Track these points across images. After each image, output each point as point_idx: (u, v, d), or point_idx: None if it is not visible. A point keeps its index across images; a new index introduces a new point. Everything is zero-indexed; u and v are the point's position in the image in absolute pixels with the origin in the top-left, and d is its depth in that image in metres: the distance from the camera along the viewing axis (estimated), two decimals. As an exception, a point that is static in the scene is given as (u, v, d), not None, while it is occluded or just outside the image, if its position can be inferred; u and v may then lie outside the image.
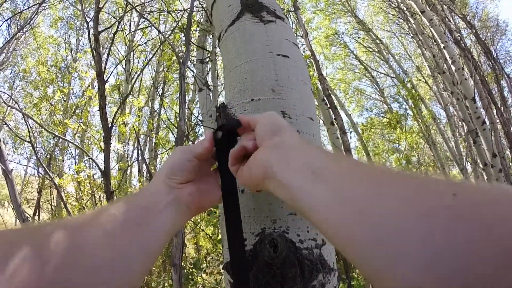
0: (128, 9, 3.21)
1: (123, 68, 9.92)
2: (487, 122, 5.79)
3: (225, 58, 0.97)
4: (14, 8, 8.74)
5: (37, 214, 7.53)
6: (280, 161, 0.47)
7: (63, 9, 11.42)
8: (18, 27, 7.61)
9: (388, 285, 0.29)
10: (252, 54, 0.87)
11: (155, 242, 0.48)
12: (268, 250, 0.65)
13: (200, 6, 3.65)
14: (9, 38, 8.05)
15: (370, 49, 12.57)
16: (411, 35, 10.23)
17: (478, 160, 5.96)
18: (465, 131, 7.20)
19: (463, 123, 7.40)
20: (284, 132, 0.53)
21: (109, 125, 2.97)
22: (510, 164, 6.90)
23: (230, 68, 0.91)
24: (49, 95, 8.30)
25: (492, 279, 0.23)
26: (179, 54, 2.94)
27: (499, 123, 7.49)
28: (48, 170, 3.98)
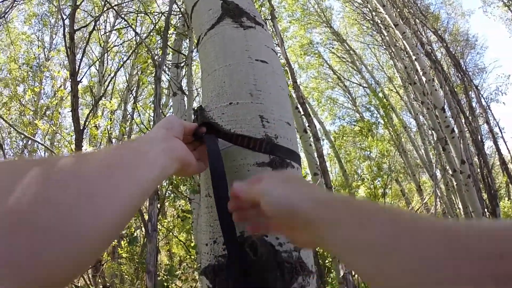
0: (106, 9, 3.15)
1: (96, 69, 9.71)
2: (456, 131, 5.99)
3: (203, 61, 0.96)
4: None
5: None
6: (322, 239, 0.44)
7: (38, 5, 11.10)
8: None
9: None
10: (231, 59, 0.87)
11: (146, 183, 0.49)
12: (248, 253, 0.65)
13: (178, 9, 3.63)
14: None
15: (344, 59, 12.82)
16: (384, 47, 10.53)
17: (447, 167, 6.16)
18: (435, 139, 7.42)
19: (432, 131, 7.62)
20: (304, 211, 0.46)
21: (81, 127, 2.90)
22: (478, 170, 7.16)
23: (209, 72, 0.91)
24: (19, 94, 8.03)
25: None
26: (154, 57, 2.90)
27: (467, 131, 7.77)
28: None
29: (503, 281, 0.24)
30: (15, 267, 0.29)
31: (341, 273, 4.59)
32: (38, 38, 11.46)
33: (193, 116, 0.88)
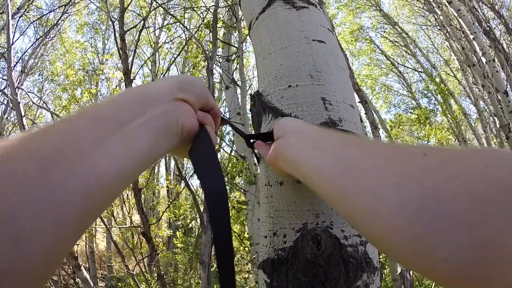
0: (154, 8, 3.22)
1: (149, 69, 10.08)
2: (521, 117, 5.54)
3: (257, 46, 0.93)
4: (40, 15, 9.02)
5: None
6: (286, 144, 0.53)
7: (88, 14, 11.71)
8: (46, 33, 7.88)
9: (372, 228, 0.34)
10: (287, 40, 0.82)
11: (113, 173, 0.34)
12: (311, 246, 0.59)
13: (225, 2, 3.64)
14: (36, 44, 8.32)
15: (397, 43, 12.27)
16: (438, 27, 9.94)
17: None
18: (497, 126, 6.94)
19: (495, 118, 7.14)
20: (287, 125, 0.58)
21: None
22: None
23: (264, 56, 0.87)
24: (77, 97, 8.51)
25: (455, 217, 0.27)
26: (205, 51, 2.94)
27: (533, 117, 7.18)
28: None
29: (422, 168, 0.32)
30: None
31: (398, 270, 4.44)
32: (91, 45, 12.18)
33: (249, 102, 0.85)
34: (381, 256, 6.01)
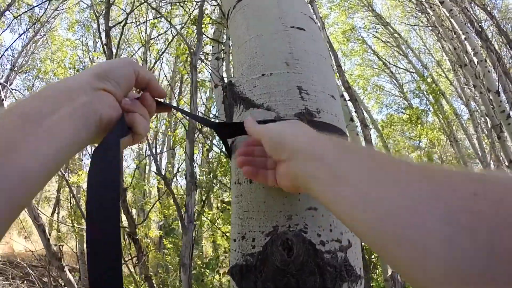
0: (140, 3, 3.15)
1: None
2: (512, 116, 5.54)
3: (234, 35, 0.88)
4: (28, 9, 8.92)
5: (56, 212, 7.75)
6: (301, 173, 0.46)
7: (79, 12, 11.59)
8: (36, 30, 7.76)
9: (418, 281, 0.30)
10: (263, 27, 0.77)
11: (37, 166, 0.35)
12: (281, 253, 0.53)
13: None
14: (26, 41, 8.23)
15: (389, 44, 12.29)
16: (430, 27, 9.98)
17: (503, 156, 5.73)
18: (489, 126, 6.96)
19: (486, 118, 7.16)
20: (290, 143, 0.49)
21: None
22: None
23: (239, 44, 0.81)
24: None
25: None
26: (191, 47, 2.88)
27: (524, 117, 7.21)
28: (63, 169, 3.96)
29: (475, 216, 0.27)
30: None
31: (389, 272, 4.42)
32: (82, 43, 12.04)
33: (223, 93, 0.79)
34: (373, 256, 5.97)
